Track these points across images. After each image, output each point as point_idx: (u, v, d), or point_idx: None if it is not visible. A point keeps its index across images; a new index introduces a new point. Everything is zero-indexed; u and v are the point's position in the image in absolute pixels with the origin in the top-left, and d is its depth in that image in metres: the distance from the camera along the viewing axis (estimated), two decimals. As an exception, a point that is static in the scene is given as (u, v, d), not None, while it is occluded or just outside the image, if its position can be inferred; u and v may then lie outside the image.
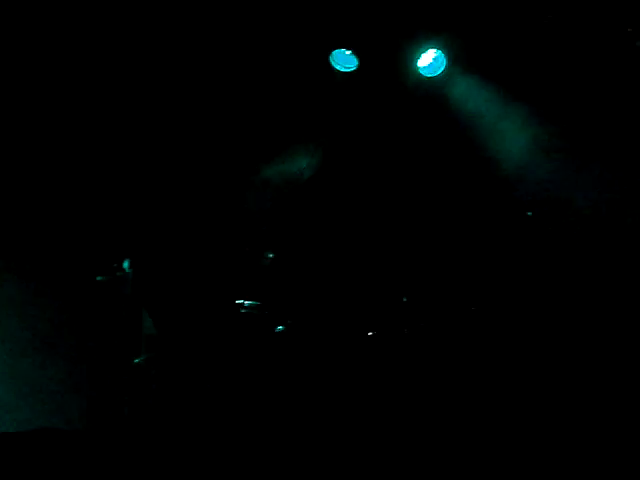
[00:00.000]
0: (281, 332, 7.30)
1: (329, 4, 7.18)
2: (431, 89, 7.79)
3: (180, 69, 7.39)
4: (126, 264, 7.71)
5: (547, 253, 7.59)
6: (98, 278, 7.68)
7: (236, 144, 7.78)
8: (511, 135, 7.56)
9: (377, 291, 7.54)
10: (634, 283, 7.32)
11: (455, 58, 7.56)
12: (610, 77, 7.12)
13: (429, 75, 7.73)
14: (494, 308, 7.41)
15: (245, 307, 7.18)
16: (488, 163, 7.76)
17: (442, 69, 7.66)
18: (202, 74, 7.46)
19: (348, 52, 7.70)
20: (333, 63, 7.73)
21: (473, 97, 7.59)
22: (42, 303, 7.31)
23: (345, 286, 7.56)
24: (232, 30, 7.23)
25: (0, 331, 7.06)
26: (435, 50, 7.64)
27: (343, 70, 7.78)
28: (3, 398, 6.74)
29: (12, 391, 6.83)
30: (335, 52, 7.69)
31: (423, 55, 7.62)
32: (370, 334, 7.06)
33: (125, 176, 7.61)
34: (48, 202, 7.43)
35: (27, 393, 6.92)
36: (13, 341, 7.11)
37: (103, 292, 7.60)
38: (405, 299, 7.46)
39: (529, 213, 7.71)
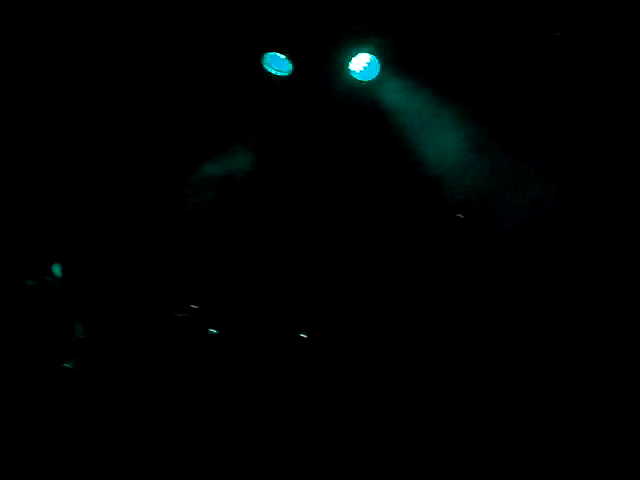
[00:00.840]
0: (214, 335, 7.24)
1: (262, 6, 7.18)
2: (365, 93, 7.81)
3: (113, 65, 7.32)
4: (56, 268, 7.58)
5: (476, 256, 7.66)
6: (28, 282, 7.54)
7: (170, 143, 7.71)
8: (444, 136, 7.60)
9: (309, 293, 7.53)
10: (568, 286, 7.42)
11: (388, 61, 7.59)
12: (543, 77, 7.22)
13: (363, 80, 7.76)
14: (421, 308, 7.46)
15: (178, 311, 7.10)
16: (420, 165, 7.81)
17: (376, 73, 7.70)
18: (133, 70, 7.40)
19: (282, 56, 7.71)
20: (267, 67, 7.72)
21: (407, 100, 7.63)
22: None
23: (278, 287, 7.53)
24: (167, 29, 7.20)
25: None
26: (369, 55, 7.68)
27: (277, 74, 7.77)
28: None
29: None
30: (268, 55, 7.67)
31: (354, 59, 7.64)
32: (302, 336, 7.03)
33: (56, 174, 7.50)
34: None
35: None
36: None
37: (32, 296, 7.47)
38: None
39: (459, 215, 7.77)
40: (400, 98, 7.70)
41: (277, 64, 7.74)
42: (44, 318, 7.39)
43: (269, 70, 7.74)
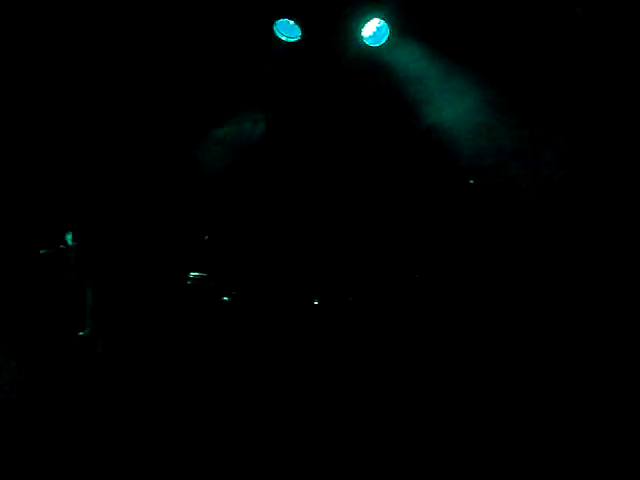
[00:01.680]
0: (227, 303, 7.28)
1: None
2: (375, 58, 7.79)
3: (126, 36, 7.30)
4: (69, 236, 7.63)
5: (489, 224, 7.65)
6: (41, 251, 7.59)
7: (181, 111, 7.71)
8: (456, 99, 7.55)
9: (323, 261, 7.54)
10: (580, 262, 7.42)
11: (398, 26, 7.55)
12: (556, 39, 7.15)
13: (373, 45, 7.73)
14: (438, 278, 7.46)
15: (190, 278, 7.13)
16: (432, 130, 7.79)
17: (385, 38, 7.67)
18: (144, 39, 7.38)
19: (292, 22, 7.70)
20: (277, 33, 7.71)
21: (417, 64, 7.59)
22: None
23: (291, 255, 7.55)
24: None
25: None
26: (379, 20, 7.65)
27: (287, 40, 7.77)
28: None
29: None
30: (279, 22, 7.68)
31: (367, 25, 7.62)
32: (316, 303, 7.05)
33: (68, 145, 7.52)
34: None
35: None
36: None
37: (46, 265, 7.52)
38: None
39: (471, 181, 7.75)
40: (410, 62, 7.64)
41: (288, 30, 7.72)
42: (58, 286, 7.45)
43: (279, 36, 7.71)
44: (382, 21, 7.63)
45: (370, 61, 7.87)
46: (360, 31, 7.65)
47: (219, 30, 7.51)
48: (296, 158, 7.85)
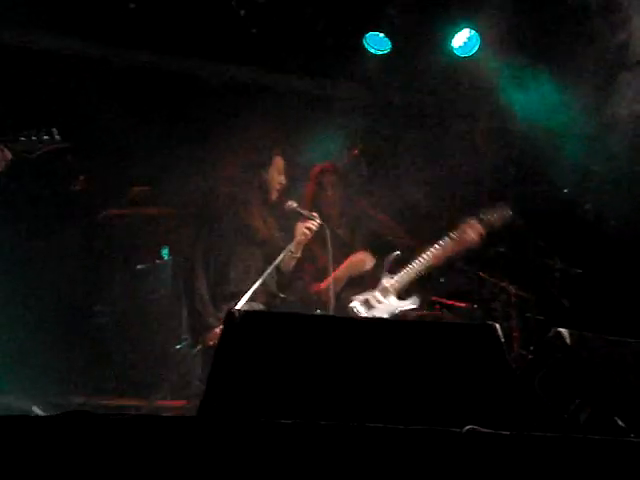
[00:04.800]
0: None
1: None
2: (465, 69, 7.79)
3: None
4: (165, 252, 7.78)
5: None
6: (139, 266, 7.76)
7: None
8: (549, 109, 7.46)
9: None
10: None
11: (489, 37, 7.53)
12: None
13: (463, 55, 7.73)
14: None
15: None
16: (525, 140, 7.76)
17: (476, 48, 7.66)
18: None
19: (381, 35, 7.75)
20: (367, 46, 7.77)
21: (507, 74, 7.55)
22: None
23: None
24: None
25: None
26: (469, 29, 7.65)
27: (376, 53, 7.82)
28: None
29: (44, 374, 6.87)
30: (369, 35, 7.74)
31: (457, 35, 7.63)
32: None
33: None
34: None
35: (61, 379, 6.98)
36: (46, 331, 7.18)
37: (143, 279, 7.69)
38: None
39: (565, 190, 7.68)
40: (501, 72, 7.59)
41: (376, 43, 7.77)
42: (155, 300, 7.59)
43: (369, 49, 7.77)
44: (472, 31, 7.62)
45: (459, 71, 7.85)
46: (450, 42, 7.65)
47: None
48: (388, 165, 7.80)
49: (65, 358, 7.09)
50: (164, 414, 6.26)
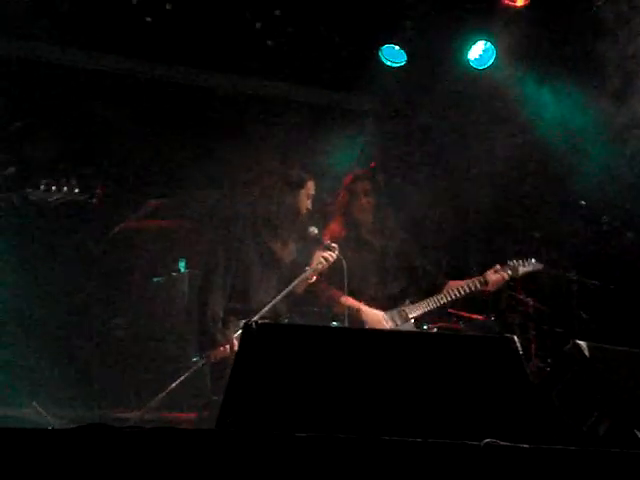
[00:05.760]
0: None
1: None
2: (481, 81, 7.79)
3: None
4: (182, 264, 7.78)
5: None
6: (155, 279, 7.77)
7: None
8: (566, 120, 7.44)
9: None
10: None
11: (505, 49, 7.53)
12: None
13: (479, 67, 7.73)
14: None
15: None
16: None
17: (492, 60, 7.66)
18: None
19: (397, 47, 7.77)
20: (383, 58, 7.78)
21: (524, 86, 7.54)
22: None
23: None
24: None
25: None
26: (484, 42, 7.65)
27: (392, 65, 7.83)
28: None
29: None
30: (384, 47, 7.75)
31: (473, 47, 7.64)
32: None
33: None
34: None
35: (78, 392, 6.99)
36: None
37: (160, 292, 7.70)
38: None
39: (582, 202, 7.64)
40: (517, 84, 7.59)
41: (392, 55, 7.79)
42: (171, 312, 7.59)
43: (384, 61, 7.79)
44: (488, 43, 7.62)
45: (475, 83, 7.85)
46: (466, 54, 7.66)
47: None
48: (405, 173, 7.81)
49: (82, 371, 7.10)
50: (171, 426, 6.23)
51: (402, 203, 6.94)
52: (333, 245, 6.07)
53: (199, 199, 7.67)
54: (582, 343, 3.97)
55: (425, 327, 6.77)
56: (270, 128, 7.83)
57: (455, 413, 3.19)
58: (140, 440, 2.57)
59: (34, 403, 6.14)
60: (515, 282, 6.91)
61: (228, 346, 5.81)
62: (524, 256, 6.65)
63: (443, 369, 3.34)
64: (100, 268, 7.63)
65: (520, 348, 3.42)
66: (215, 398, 5.95)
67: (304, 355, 3.33)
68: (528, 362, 6.68)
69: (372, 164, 7.53)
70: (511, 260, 6.55)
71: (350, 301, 6.17)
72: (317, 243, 6.11)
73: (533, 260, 6.65)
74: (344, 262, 6.01)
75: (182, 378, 5.90)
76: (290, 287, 5.85)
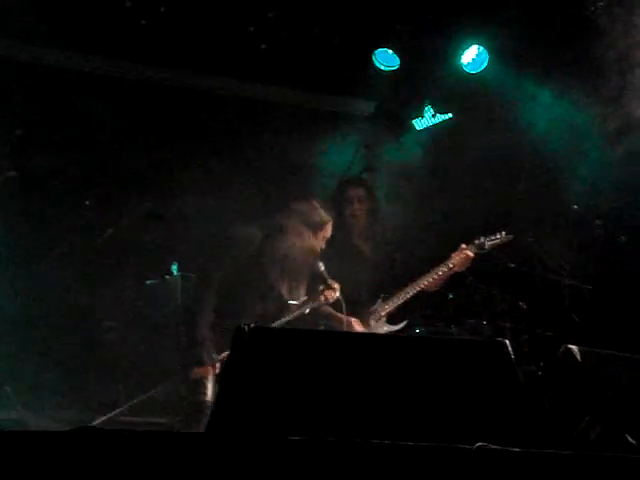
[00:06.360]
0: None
1: (372, 3, 7.24)
2: (474, 85, 7.80)
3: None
4: (175, 267, 7.76)
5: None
6: (148, 282, 7.76)
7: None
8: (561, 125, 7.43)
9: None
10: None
11: (498, 53, 7.54)
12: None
13: (472, 71, 7.74)
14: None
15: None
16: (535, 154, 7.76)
17: (485, 64, 7.67)
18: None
19: (390, 51, 7.77)
20: (376, 62, 7.78)
21: (518, 90, 7.54)
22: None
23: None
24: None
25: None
26: (477, 46, 7.66)
27: (385, 69, 7.84)
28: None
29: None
30: (378, 51, 7.75)
31: (466, 52, 7.64)
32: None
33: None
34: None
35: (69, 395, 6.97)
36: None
37: (152, 295, 7.68)
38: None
39: (575, 207, 7.65)
40: (511, 88, 7.59)
41: (385, 59, 7.79)
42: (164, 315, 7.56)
43: (378, 65, 7.79)
44: (481, 48, 7.63)
45: (469, 87, 7.86)
46: (459, 58, 7.66)
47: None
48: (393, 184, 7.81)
49: (73, 373, 7.08)
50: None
51: (393, 207, 6.94)
52: (335, 285, 6.04)
53: (193, 204, 7.65)
54: (574, 347, 3.98)
55: (417, 331, 6.80)
56: (264, 131, 7.85)
57: (447, 417, 3.19)
58: (131, 443, 2.57)
59: (18, 407, 6.13)
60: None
61: (210, 367, 5.81)
62: (492, 230, 6.59)
63: (435, 373, 3.34)
64: (93, 270, 7.62)
65: (512, 352, 3.43)
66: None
67: (296, 359, 3.33)
68: (520, 366, 6.70)
69: (366, 169, 7.57)
70: (478, 237, 6.49)
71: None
72: (321, 279, 6.07)
73: (502, 233, 6.55)
74: (343, 304, 5.99)
75: (158, 389, 5.95)
76: (284, 320, 5.87)
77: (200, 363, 5.86)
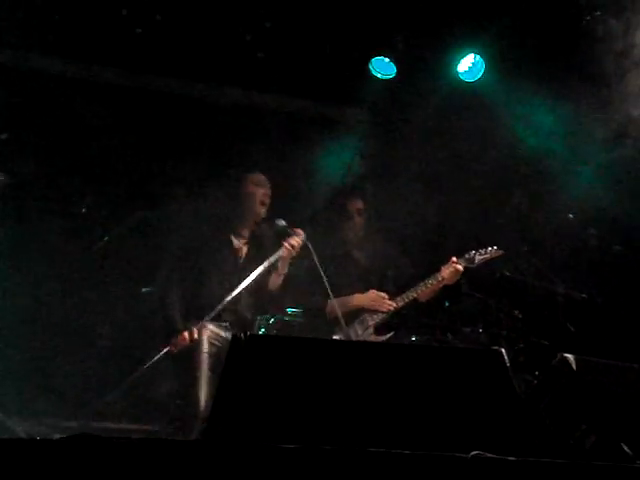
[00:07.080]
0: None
1: (369, 12, 7.24)
2: (470, 93, 7.82)
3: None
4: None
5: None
6: (144, 290, 7.74)
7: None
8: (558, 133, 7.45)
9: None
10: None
11: (494, 61, 7.57)
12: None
13: (468, 80, 7.76)
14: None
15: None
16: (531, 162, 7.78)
17: (481, 73, 7.69)
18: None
19: (387, 59, 7.79)
20: (372, 70, 7.80)
21: (514, 99, 7.55)
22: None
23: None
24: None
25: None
26: (474, 55, 7.68)
27: (382, 77, 7.85)
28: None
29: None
30: (374, 59, 7.77)
31: (462, 60, 7.67)
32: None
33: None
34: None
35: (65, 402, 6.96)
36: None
37: (148, 302, 7.66)
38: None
39: (570, 216, 7.66)
40: (507, 97, 7.60)
41: (382, 67, 7.81)
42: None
43: (374, 73, 7.81)
44: (477, 56, 7.65)
45: (465, 96, 7.88)
46: (455, 67, 7.69)
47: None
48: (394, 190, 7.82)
49: (69, 380, 7.06)
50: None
51: (391, 216, 6.95)
52: (299, 231, 6.09)
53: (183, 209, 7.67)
54: (569, 356, 3.98)
55: (413, 339, 6.80)
56: (260, 139, 7.84)
57: (443, 425, 3.19)
58: (128, 450, 2.57)
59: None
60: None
61: (187, 334, 5.83)
62: (483, 245, 6.64)
63: (431, 381, 3.34)
64: (88, 277, 7.60)
65: (508, 361, 3.43)
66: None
67: (292, 367, 3.33)
68: (516, 375, 6.69)
69: (362, 177, 7.59)
70: (468, 251, 6.55)
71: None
72: (285, 234, 6.11)
73: (492, 248, 6.61)
74: (310, 246, 6.00)
75: (146, 366, 5.97)
76: (252, 276, 5.88)
77: (176, 332, 5.92)
